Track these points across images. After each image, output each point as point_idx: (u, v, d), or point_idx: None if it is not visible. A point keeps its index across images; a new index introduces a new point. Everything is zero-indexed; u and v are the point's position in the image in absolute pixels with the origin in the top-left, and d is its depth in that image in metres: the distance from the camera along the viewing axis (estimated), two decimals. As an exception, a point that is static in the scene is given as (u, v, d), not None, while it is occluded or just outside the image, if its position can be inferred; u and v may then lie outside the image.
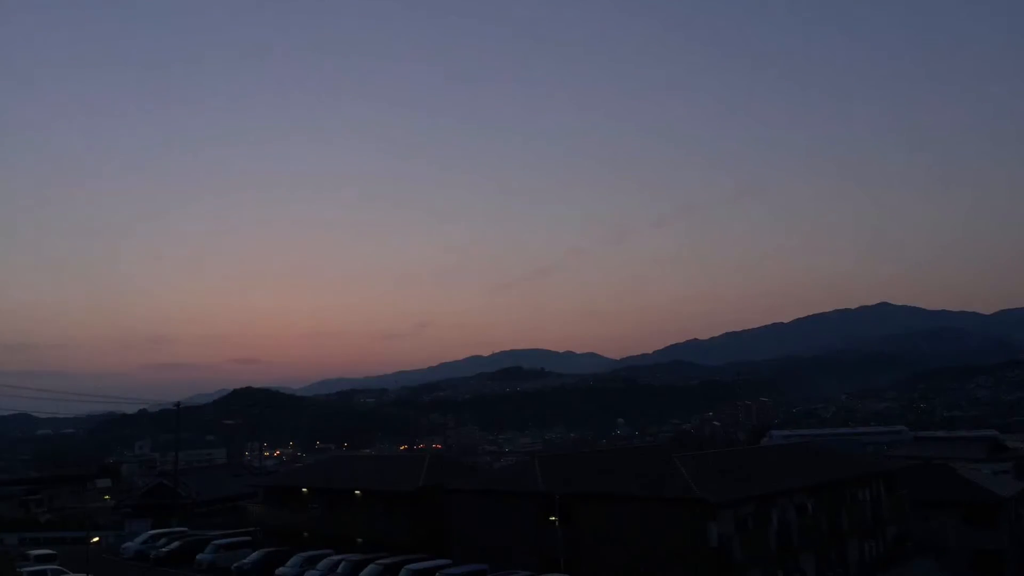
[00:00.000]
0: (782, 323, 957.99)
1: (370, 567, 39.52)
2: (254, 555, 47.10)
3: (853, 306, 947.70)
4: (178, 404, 79.65)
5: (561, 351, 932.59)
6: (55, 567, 45.63)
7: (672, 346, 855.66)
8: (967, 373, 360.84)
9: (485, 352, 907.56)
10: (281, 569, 43.65)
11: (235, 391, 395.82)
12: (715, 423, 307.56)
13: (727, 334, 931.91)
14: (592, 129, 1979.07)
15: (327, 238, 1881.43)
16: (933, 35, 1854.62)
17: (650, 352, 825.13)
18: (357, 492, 51.24)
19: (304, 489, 56.24)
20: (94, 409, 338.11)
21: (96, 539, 55.10)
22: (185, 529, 59.51)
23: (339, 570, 40.93)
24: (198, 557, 50.23)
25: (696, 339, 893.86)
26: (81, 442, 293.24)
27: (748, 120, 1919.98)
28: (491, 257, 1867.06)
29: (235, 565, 46.41)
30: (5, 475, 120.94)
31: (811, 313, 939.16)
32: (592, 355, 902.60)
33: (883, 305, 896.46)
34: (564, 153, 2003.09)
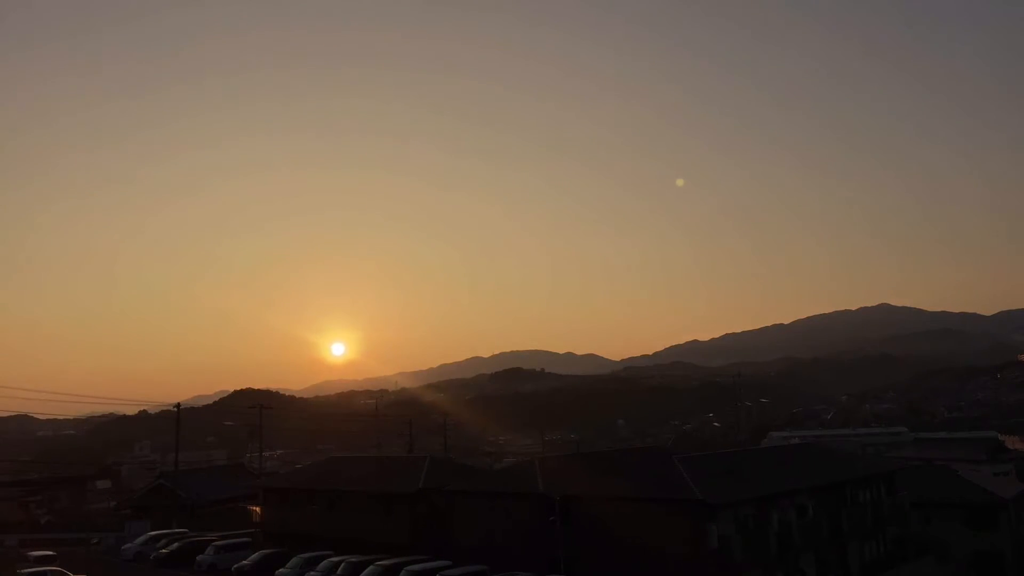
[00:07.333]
0: (782, 324, 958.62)
1: (370, 568, 39.50)
2: (254, 556, 47.13)
3: (853, 307, 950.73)
4: (178, 405, 79.53)
5: (561, 352, 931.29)
6: (55, 568, 45.59)
7: (672, 347, 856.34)
8: (967, 374, 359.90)
9: (485, 353, 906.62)
10: (281, 570, 43.64)
11: (235, 392, 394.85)
12: (715, 424, 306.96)
13: (727, 335, 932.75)
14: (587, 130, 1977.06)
15: (327, 238, 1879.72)
16: (932, 36, 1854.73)
17: (650, 353, 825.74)
18: (357, 493, 51.21)
19: (304, 490, 56.21)
20: (94, 410, 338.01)
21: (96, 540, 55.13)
22: (185, 530, 59.40)
23: (339, 571, 40.92)
24: (198, 558, 50.17)
25: (696, 340, 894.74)
26: (81, 443, 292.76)
27: (746, 119, 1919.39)
28: (491, 258, 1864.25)
29: (235, 566, 46.43)
30: (5, 476, 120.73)
31: (811, 314, 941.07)
32: (592, 356, 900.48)
33: (883, 306, 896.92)
34: (564, 153, 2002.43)
